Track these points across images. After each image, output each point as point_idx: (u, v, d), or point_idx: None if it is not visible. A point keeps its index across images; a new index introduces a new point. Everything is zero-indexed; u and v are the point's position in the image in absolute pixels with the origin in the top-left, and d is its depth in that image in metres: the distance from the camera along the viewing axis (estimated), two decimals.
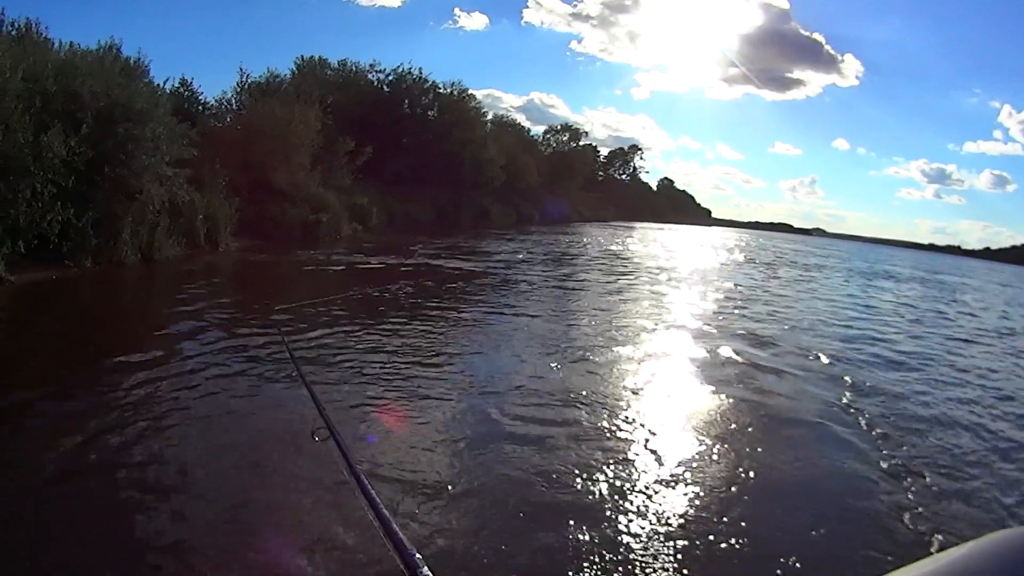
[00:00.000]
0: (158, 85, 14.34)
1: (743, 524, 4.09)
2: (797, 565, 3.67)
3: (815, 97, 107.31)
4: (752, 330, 11.13)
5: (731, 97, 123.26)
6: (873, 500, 4.78)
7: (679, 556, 3.68)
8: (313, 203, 19.62)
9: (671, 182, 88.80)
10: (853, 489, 4.94)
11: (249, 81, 23.11)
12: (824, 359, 9.40)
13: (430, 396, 6.05)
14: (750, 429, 5.91)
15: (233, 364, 6.40)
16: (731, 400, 6.78)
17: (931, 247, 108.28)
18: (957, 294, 26.71)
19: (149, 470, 4.12)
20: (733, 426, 5.97)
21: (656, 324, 11.03)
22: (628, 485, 4.54)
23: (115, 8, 51.39)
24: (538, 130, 63.14)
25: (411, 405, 5.78)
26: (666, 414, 6.25)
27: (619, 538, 3.82)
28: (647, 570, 3.53)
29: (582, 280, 16.80)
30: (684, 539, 3.86)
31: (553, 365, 7.59)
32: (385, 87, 33.63)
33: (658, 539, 3.85)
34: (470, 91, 36.67)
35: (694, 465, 5.00)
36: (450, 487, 4.25)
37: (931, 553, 0.76)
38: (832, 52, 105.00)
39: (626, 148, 75.06)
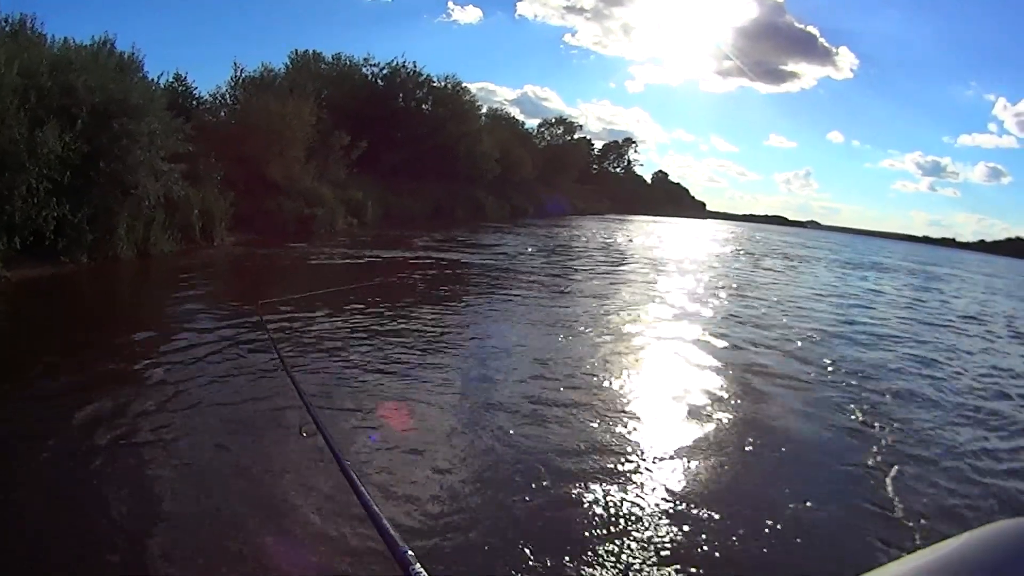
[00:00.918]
0: (153, 80, 14.30)
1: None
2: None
3: (809, 90, 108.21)
4: (730, 311, 12.56)
5: (725, 90, 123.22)
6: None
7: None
8: (308, 197, 19.64)
9: (665, 175, 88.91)
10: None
11: (243, 75, 23.01)
12: (786, 331, 10.77)
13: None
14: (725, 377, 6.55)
15: (226, 360, 6.40)
16: (710, 359, 8.22)
17: (926, 239, 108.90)
18: (938, 283, 27.22)
19: (136, 467, 4.10)
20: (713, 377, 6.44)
21: (647, 304, 12.65)
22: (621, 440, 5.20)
23: (108, 3, 50.97)
24: (532, 123, 63.07)
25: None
26: (655, 367, 7.94)
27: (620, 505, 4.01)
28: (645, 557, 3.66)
29: (580, 269, 17.37)
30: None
31: (560, 338, 8.73)
32: (379, 81, 33.57)
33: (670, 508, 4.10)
34: (464, 84, 36.71)
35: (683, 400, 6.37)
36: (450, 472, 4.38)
37: (927, 545, 0.83)
38: (826, 45, 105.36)
39: (620, 141, 75.19)
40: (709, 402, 6.37)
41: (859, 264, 33.28)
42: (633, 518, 3.98)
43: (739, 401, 6.52)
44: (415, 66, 34.00)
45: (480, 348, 8.02)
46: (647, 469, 4.70)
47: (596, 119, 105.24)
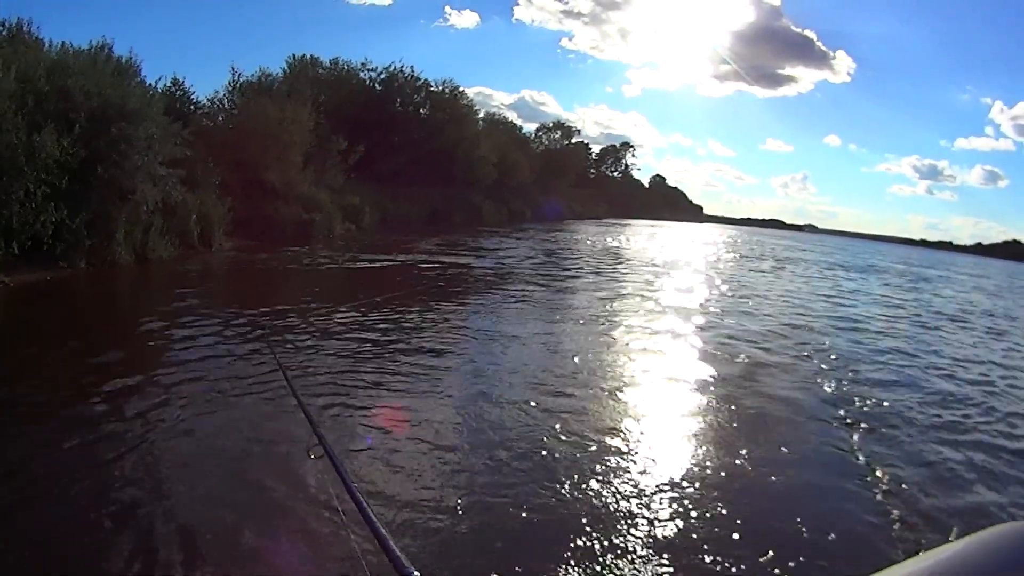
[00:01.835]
0: (150, 85, 14.31)
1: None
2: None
3: (807, 94, 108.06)
4: (724, 306, 13.83)
5: (722, 94, 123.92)
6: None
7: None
8: (306, 202, 19.62)
9: (663, 179, 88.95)
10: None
11: (241, 80, 23.02)
12: (771, 321, 12.11)
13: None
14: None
15: (225, 370, 6.34)
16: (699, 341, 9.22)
17: (923, 243, 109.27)
18: (924, 283, 27.88)
19: (134, 484, 3.98)
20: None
21: (644, 299, 13.69)
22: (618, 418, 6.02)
23: (106, 7, 50.98)
24: (530, 128, 62.92)
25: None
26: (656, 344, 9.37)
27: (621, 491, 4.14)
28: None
29: (580, 271, 17.96)
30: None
31: (565, 326, 10.03)
32: (377, 85, 33.57)
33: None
34: (461, 89, 36.70)
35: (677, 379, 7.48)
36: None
37: (930, 548, 0.82)
38: (824, 48, 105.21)
39: (618, 145, 75.26)
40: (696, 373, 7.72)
41: (851, 266, 33.66)
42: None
43: (725, 371, 7.88)
44: (412, 71, 34.10)
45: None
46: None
47: (593, 123, 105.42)
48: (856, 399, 7.18)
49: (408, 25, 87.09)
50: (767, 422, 6.17)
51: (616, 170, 74.74)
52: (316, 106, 22.19)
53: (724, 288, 17.29)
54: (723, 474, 4.85)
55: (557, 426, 5.48)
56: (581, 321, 10.44)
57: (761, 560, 3.66)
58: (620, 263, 21.88)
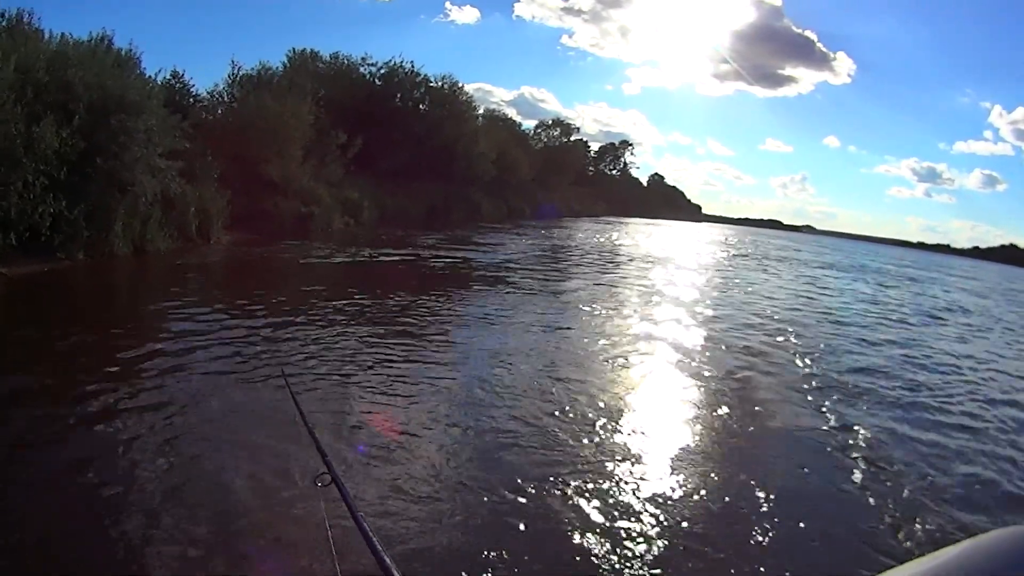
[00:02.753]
0: (150, 77, 14.23)
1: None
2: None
3: (807, 94, 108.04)
4: (714, 299, 15.12)
5: (722, 93, 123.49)
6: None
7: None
8: (305, 196, 19.60)
9: (661, 177, 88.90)
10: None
11: (241, 73, 22.92)
12: (755, 314, 13.07)
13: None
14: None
15: (223, 361, 6.36)
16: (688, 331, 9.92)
17: (920, 245, 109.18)
18: (914, 283, 28.55)
19: (132, 489, 3.87)
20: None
21: (640, 294, 14.62)
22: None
23: None
24: (529, 124, 62.90)
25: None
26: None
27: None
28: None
29: (579, 266, 18.36)
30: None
31: (567, 313, 11.15)
32: (377, 80, 33.46)
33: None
34: (461, 85, 36.50)
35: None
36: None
37: (928, 552, 0.84)
38: (824, 50, 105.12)
39: (617, 143, 75.30)
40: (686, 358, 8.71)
41: (844, 267, 34.01)
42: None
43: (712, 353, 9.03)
44: (412, 66, 33.94)
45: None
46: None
47: (593, 121, 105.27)
48: (827, 375, 8.42)
49: (408, 20, 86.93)
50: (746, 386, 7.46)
51: (615, 168, 74.82)
52: (316, 100, 22.12)
53: (716, 281, 18.83)
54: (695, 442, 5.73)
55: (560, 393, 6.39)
56: (584, 308, 11.65)
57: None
58: (617, 259, 22.27)
